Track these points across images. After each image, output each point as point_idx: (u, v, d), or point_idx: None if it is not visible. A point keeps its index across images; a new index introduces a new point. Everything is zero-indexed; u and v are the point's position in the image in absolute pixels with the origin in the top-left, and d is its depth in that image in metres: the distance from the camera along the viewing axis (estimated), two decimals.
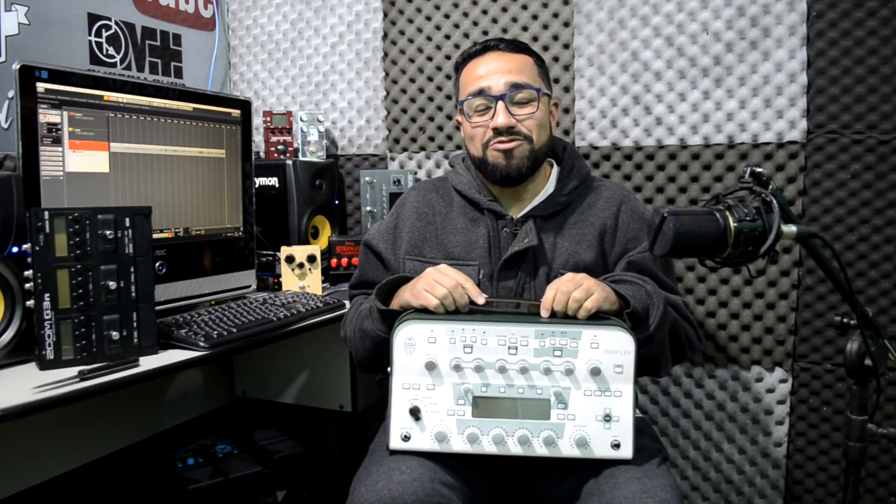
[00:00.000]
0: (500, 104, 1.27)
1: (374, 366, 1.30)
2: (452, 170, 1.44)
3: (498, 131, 1.28)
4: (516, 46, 1.34)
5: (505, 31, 1.92)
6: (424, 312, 1.13)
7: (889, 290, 1.64)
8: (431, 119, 2.03)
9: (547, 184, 1.37)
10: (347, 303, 1.50)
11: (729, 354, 1.79)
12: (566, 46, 1.86)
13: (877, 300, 1.65)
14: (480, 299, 1.13)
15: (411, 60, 2.04)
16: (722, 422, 1.81)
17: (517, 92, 1.28)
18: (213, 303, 1.63)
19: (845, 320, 1.05)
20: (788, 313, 1.72)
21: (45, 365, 1.16)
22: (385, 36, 2.07)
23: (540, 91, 1.30)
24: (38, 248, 1.15)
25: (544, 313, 1.11)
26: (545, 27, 1.88)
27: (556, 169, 1.40)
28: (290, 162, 1.95)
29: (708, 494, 1.84)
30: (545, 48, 1.87)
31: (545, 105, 1.32)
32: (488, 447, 1.09)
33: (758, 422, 1.77)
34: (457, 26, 1.98)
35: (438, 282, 1.13)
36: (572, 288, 1.10)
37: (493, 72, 1.30)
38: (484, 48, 1.34)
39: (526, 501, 1.25)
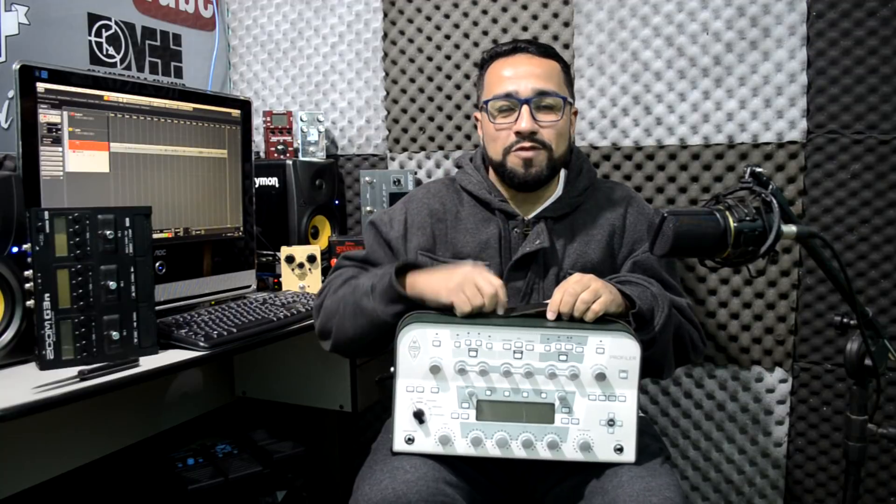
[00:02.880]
0: (525, 108, 1.26)
1: (354, 347, 1.27)
2: (461, 170, 1.43)
3: (521, 135, 1.27)
4: (546, 51, 1.32)
5: (505, 31, 1.92)
6: (431, 311, 1.13)
7: (889, 290, 1.64)
8: (431, 119, 2.03)
9: (557, 186, 1.38)
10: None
11: (729, 354, 1.79)
12: (566, 46, 1.86)
13: (877, 300, 1.65)
14: (501, 310, 1.12)
15: (411, 60, 2.04)
16: (722, 422, 1.81)
17: (543, 98, 1.27)
18: (213, 303, 1.63)
19: (845, 320, 1.05)
20: (788, 313, 1.72)
21: (45, 365, 1.16)
22: (385, 36, 2.07)
23: (566, 100, 1.29)
24: (38, 248, 1.15)
25: (550, 315, 1.11)
26: (545, 27, 1.88)
27: (563, 172, 1.40)
28: (290, 162, 1.95)
29: (708, 494, 1.84)
30: None
31: (568, 114, 1.32)
32: (492, 450, 1.09)
33: (758, 422, 1.77)
34: (457, 26, 1.98)
35: (481, 289, 1.10)
36: (580, 290, 1.10)
37: (522, 75, 1.28)
38: (514, 49, 1.32)
39: (528, 500, 1.25)
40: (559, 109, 1.29)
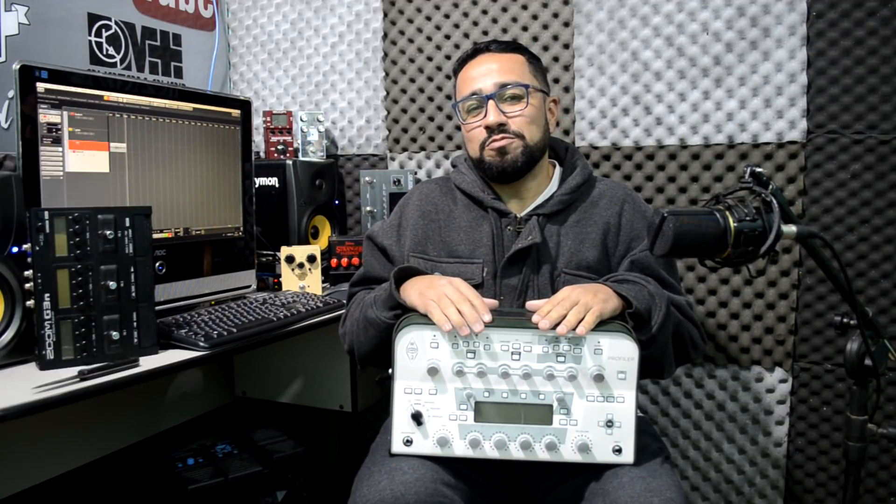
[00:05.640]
0: (491, 103, 1.29)
1: (376, 359, 1.28)
2: (455, 169, 1.45)
3: (490, 129, 1.30)
4: (507, 46, 1.36)
5: (505, 31, 1.92)
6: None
7: (889, 290, 1.64)
8: (431, 119, 2.03)
9: (550, 183, 1.38)
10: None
11: (729, 354, 1.79)
12: (566, 46, 1.86)
13: (877, 300, 1.65)
14: (487, 317, 1.08)
15: (411, 60, 2.04)
16: (722, 422, 1.81)
17: (506, 90, 1.30)
18: (213, 303, 1.63)
19: (845, 320, 1.05)
20: (788, 313, 1.72)
21: (45, 365, 1.16)
22: (385, 36, 2.07)
23: (528, 87, 1.31)
24: (38, 248, 1.15)
25: (543, 325, 1.07)
26: (545, 27, 1.88)
27: (558, 169, 1.40)
28: (290, 162, 1.95)
29: (708, 494, 1.84)
30: (545, 48, 1.87)
31: (537, 101, 1.33)
32: (490, 452, 1.09)
33: (758, 422, 1.77)
34: (457, 26, 1.98)
35: (450, 298, 1.09)
36: (564, 311, 1.07)
37: (484, 73, 1.32)
38: (475, 51, 1.37)
39: (528, 502, 1.25)
40: (524, 98, 1.31)
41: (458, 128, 2.00)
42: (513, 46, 1.37)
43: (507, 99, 1.30)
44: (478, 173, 1.39)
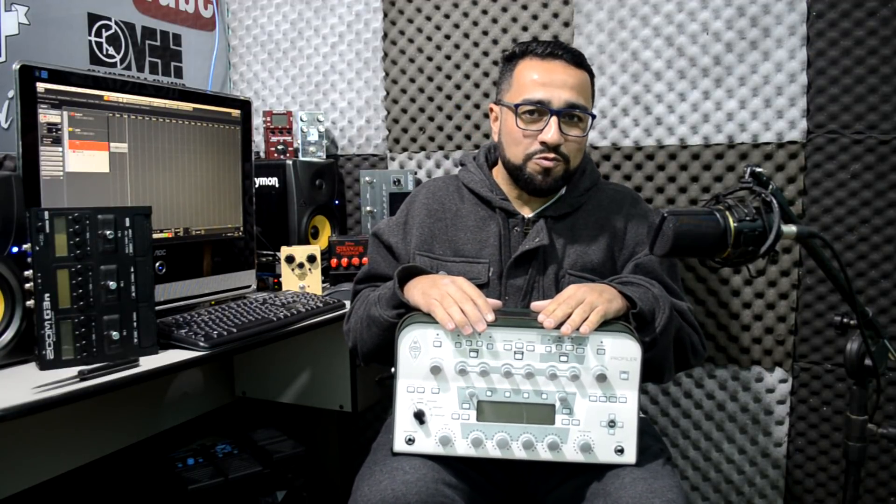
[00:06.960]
0: (555, 120, 1.25)
1: (379, 357, 1.28)
2: (463, 168, 1.44)
3: (545, 145, 1.26)
4: (580, 61, 1.30)
5: (505, 31, 1.92)
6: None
7: (889, 290, 1.64)
8: (431, 119, 2.03)
9: None
10: (348, 303, 1.49)
11: (729, 354, 1.79)
12: None
13: (877, 300, 1.65)
14: (490, 316, 1.08)
15: (411, 60, 2.04)
16: (722, 422, 1.81)
17: (573, 111, 1.26)
18: (213, 303, 1.63)
19: (845, 320, 1.05)
20: (788, 313, 1.72)
21: (45, 365, 1.16)
22: (385, 36, 2.07)
23: (594, 117, 1.30)
24: (38, 248, 1.15)
25: (548, 323, 1.08)
26: (545, 27, 1.88)
27: None
28: (290, 162, 1.95)
29: (708, 494, 1.84)
30: None
31: (590, 130, 1.32)
32: (492, 451, 1.09)
33: (758, 422, 1.77)
34: (457, 26, 1.98)
35: (453, 297, 1.09)
36: (569, 310, 1.07)
37: (557, 84, 1.26)
38: (550, 53, 1.28)
39: (528, 502, 1.25)
40: (585, 125, 1.29)
41: (459, 127, 2.00)
42: (584, 62, 1.31)
43: (570, 120, 1.27)
44: (487, 172, 1.39)
